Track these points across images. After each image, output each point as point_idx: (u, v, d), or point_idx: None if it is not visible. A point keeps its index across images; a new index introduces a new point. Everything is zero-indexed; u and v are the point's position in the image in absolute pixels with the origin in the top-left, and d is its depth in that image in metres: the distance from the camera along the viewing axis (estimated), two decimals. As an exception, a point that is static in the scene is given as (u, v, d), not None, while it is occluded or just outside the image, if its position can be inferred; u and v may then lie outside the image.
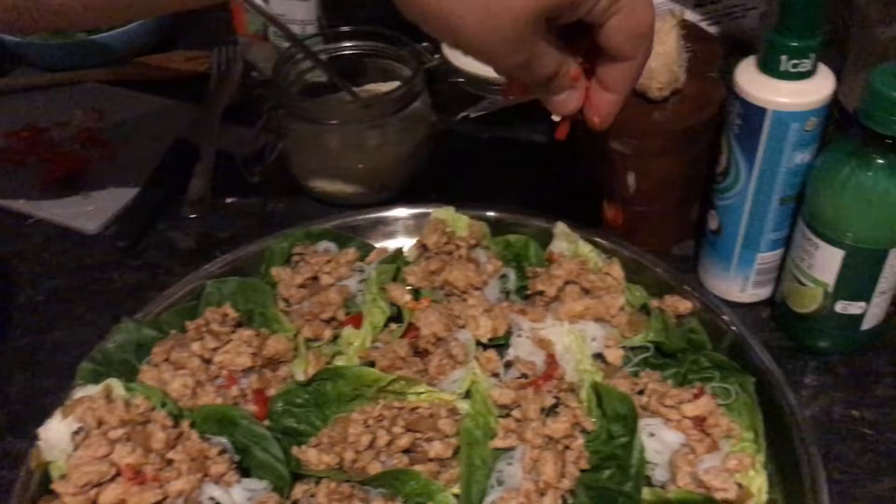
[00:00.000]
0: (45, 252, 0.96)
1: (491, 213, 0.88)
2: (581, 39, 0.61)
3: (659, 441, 0.68)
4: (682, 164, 0.84)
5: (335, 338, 0.80)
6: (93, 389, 0.71)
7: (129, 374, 0.74)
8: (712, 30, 0.94)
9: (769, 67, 0.70)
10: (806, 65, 0.69)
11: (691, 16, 0.95)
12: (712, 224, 0.82)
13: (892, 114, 0.64)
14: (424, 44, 1.00)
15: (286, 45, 1.04)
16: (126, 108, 1.14)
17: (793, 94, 0.70)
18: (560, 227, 0.84)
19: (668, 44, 0.79)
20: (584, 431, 0.68)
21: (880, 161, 0.67)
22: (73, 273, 0.93)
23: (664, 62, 0.79)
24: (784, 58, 0.69)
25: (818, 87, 0.71)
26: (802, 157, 0.73)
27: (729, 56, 0.85)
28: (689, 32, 0.86)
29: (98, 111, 1.13)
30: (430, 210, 0.88)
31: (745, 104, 0.72)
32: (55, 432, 0.69)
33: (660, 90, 0.80)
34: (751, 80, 0.72)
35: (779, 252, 0.81)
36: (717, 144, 0.79)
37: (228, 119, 1.10)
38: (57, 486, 0.66)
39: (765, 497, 0.64)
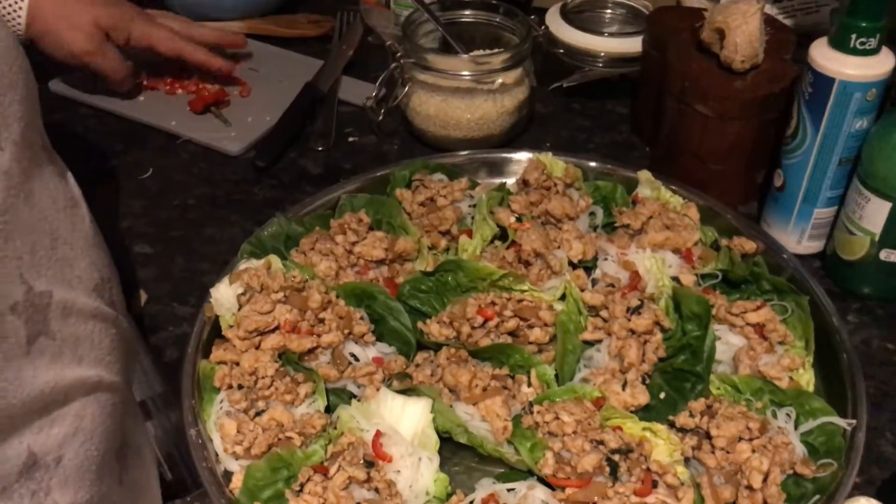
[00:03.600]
0: (194, 167, 1.11)
1: (584, 162, 1.02)
2: None
3: (724, 343, 0.82)
4: (754, 129, 0.97)
5: (447, 249, 0.94)
6: (255, 262, 0.86)
7: (280, 259, 0.89)
8: (788, 22, 1.08)
9: (840, 44, 0.84)
10: (871, 43, 0.83)
11: (770, 9, 1.09)
12: (777, 181, 0.96)
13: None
14: (532, 16, 1.15)
15: (405, 13, 1.20)
16: (259, 57, 1.30)
17: (858, 67, 0.84)
18: (645, 175, 0.98)
19: (751, 24, 0.93)
20: (662, 329, 0.82)
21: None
22: (218, 185, 1.08)
23: (748, 39, 0.93)
24: (853, 36, 0.83)
25: (880, 63, 0.84)
26: (861, 123, 0.87)
27: (801, 45, 0.99)
28: (769, 22, 1.00)
29: (233, 56, 1.29)
30: (530, 155, 1.03)
31: (816, 74, 0.86)
32: (224, 293, 0.84)
33: (742, 63, 0.94)
34: (823, 54, 0.85)
35: (833, 209, 0.94)
36: (788, 111, 0.92)
37: (348, 74, 1.26)
38: (227, 333, 0.81)
39: (811, 389, 0.77)
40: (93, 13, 1.05)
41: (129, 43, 1.11)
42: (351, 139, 1.16)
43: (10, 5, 0.98)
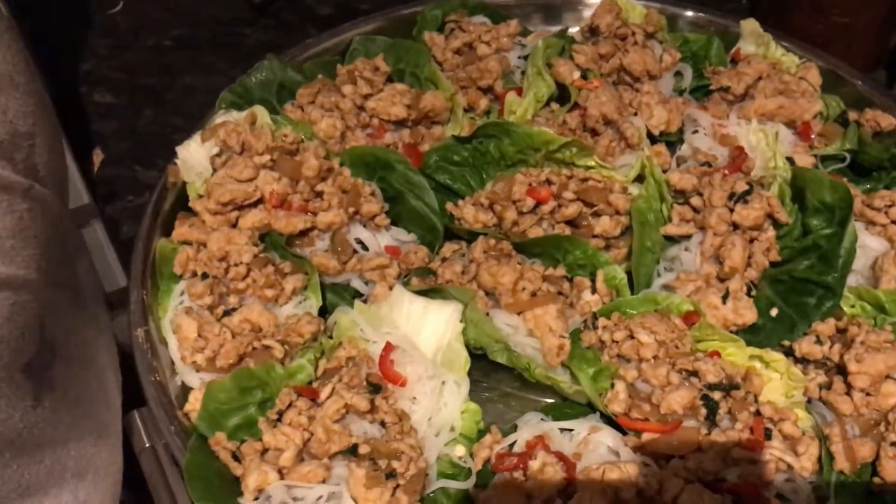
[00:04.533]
0: (174, 1, 0.89)
1: (669, 7, 0.79)
2: None
3: (859, 247, 0.60)
4: (901, -32, 0.73)
5: (488, 112, 0.73)
6: (236, 115, 0.65)
7: (269, 113, 0.68)
8: None
9: None
10: None
11: None
12: (928, 39, 0.72)
13: None
14: None
15: None
16: None
17: None
18: (750, 25, 0.75)
19: None
20: (776, 224, 0.61)
21: None
22: (203, 25, 0.88)
23: None
24: None
25: None
26: None
27: None
28: None
29: None
30: (599, -4, 0.80)
31: None
32: (194, 154, 0.64)
33: None
34: None
35: None
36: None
37: None
38: (195, 204, 0.61)
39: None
40: None
41: None
42: (372, -26, 0.93)
43: None
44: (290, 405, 0.51)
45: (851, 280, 0.60)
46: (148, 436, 0.55)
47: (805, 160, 0.67)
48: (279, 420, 0.50)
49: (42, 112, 0.52)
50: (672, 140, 0.71)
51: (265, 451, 0.49)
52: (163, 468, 0.54)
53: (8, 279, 0.46)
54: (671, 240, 0.63)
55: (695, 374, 0.52)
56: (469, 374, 0.55)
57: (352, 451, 0.49)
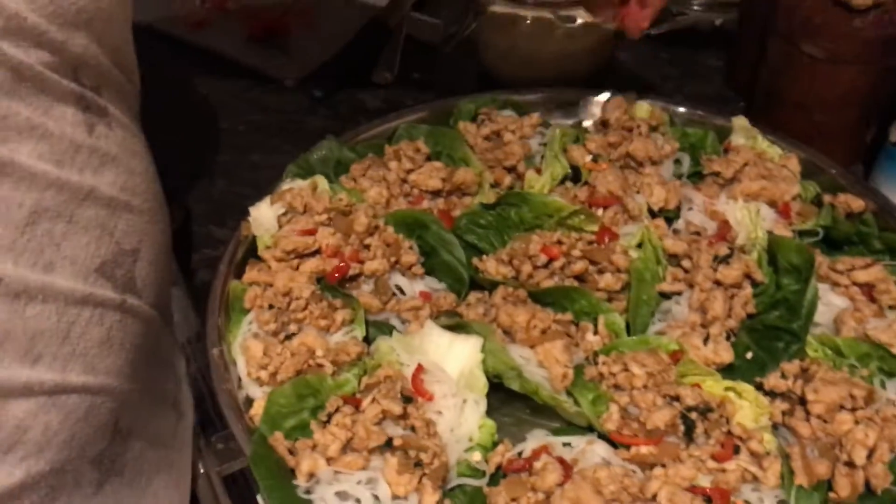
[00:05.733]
0: (247, 93, 1.05)
1: (671, 106, 0.91)
2: None
3: (825, 304, 0.70)
4: (871, 76, 0.86)
5: (512, 187, 0.85)
6: (300, 183, 0.78)
7: (329, 184, 0.81)
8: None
9: None
10: None
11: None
12: (893, 136, 0.84)
13: None
14: (622, -48, 1.05)
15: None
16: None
17: None
18: (740, 121, 0.87)
19: (878, -47, 0.82)
20: (753, 283, 0.71)
21: None
22: (271, 113, 1.02)
23: (872, -30, 0.82)
24: None
25: None
26: None
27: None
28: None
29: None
30: (610, 94, 0.92)
31: (954, 6, 0.74)
32: (264, 213, 0.76)
33: (863, -3, 0.82)
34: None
35: (957, 171, 0.82)
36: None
37: (417, 11, 1.17)
38: (263, 253, 0.73)
39: (930, 360, 0.66)
40: None
41: None
42: (415, 75, 1.08)
43: None
44: (337, 409, 0.61)
45: (818, 331, 0.70)
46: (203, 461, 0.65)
47: (784, 234, 0.78)
48: (328, 422, 0.61)
49: (152, 227, 0.56)
50: (671, 216, 0.82)
51: (315, 446, 0.60)
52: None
53: (86, 385, 0.48)
54: (665, 296, 0.73)
55: (676, 398, 0.62)
56: (489, 401, 0.65)
57: (387, 446, 0.59)
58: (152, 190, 0.57)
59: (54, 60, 0.47)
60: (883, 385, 0.64)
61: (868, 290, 0.70)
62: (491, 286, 0.74)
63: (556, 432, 0.64)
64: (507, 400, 0.67)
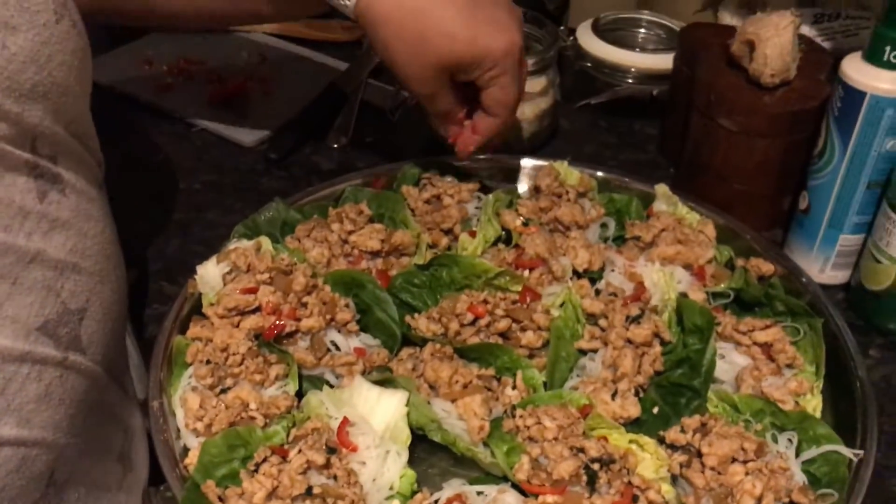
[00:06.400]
0: (206, 154, 1.10)
1: (600, 173, 0.98)
2: (470, 94, 0.87)
3: (728, 362, 0.76)
4: (781, 148, 0.92)
5: (448, 249, 0.90)
6: (245, 243, 0.83)
7: (273, 244, 0.86)
8: (827, 45, 1.03)
9: (873, 57, 0.79)
10: (907, 57, 0.78)
11: (808, 31, 1.04)
12: (802, 204, 0.90)
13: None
14: (561, 28, 1.12)
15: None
16: (287, 57, 1.29)
17: (891, 82, 0.79)
18: (662, 189, 0.94)
19: (784, 36, 0.89)
20: (662, 342, 0.77)
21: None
22: (227, 173, 1.07)
23: (779, 52, 0.89)
24: (887, 48, 0.78)
25: (916, 79, 0.79)
26: (893, 143, 0.82)
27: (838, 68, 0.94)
28: (805, 42, 0.96)
29: (262, 55, 1.29)
30: (545, 162, 0.99)
31: (846, 87, 0.81)
32: (210, 272, 0.81)
33: (772, 77, 0.90)
34: (855, 67, 0.81)
35: (860, 237, 0.88)
36: (817, 130, 0.87)
37: (373, 78, 1.24)
38: (207, 310, 0.78)
39: (818, 416, 0.71)
40: (445, 49, 0.80)
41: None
42: (369, 139, 1.14)
43: None
44: (264, 459, 0.65)
45: (721, 387, 0.75)
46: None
47: (698, 296, 0.83)
48: (256, 471, 0.65)
49: (102, 287, 0.58)
50: (594, 277, 0.87)
51: (243, 494, 0.64)
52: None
53: (19, 438, 0.49)
54: (583, 352, 0.79)
55: (582, 450, 0.67)
56: (415, 452, 0.70)
57: (308, 493, 0.63)
58: (106, 252, 0.60)
59: (10, 132, 0.51)
60: (774, 439, 0.69)
61: (767, 349, 0.76)
62: (422, 342, 0.78)
63: (473, 481, 0.69)
64: (433, 451, 0.72)
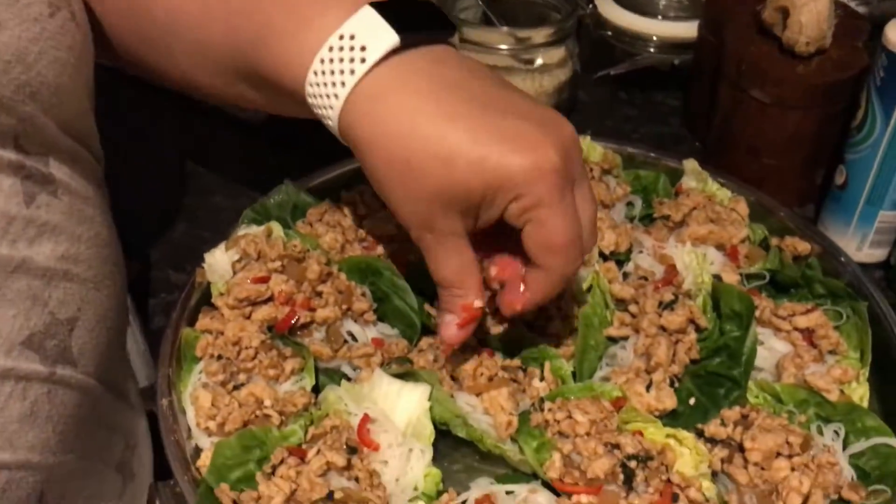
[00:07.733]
0: (214, 135, 1.06)
1: (625, 148, 0.93)
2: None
3: (767, 349, 0.72)
4: (815, 121, 0.88)
5: (468, 231, 0.86)
6: (255, 229, 0.79)
7: (284, 228, 0.82)
8: (862, 10, 0.98)
9: (920, 22, 0.75)
10: (957, 22, 0.73)
11: (843, -4, 0.99)
12: (839, 179, 0.86)
13: None
14: (581, -3, 1.07)
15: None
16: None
17: (940, 48, 0.74)
18: (691, 164, 0.89)
19: (820, 2, 0.84)
20: (697, 329, 0.73)
21: None
22: (234, 153, 1.03)
23: (815, 19, 0.84)
24: (937, 13, 0.73)
25: (966, 45, 0.74)
26: (940, 114, 0.77)
27: (875, 36, 0.89)
28: (840, 6, 0.91)
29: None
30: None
31: (890, 56, 0.76)
32: (219, 259, 0.77)
33: (807, 45, 0.85)
34: (900, 33, 0.76)
35: (901, 213, 0.84)
36: (856, 101, 0.83)
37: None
38: (217, 300, 0.74)
39: (865, 405, 0.67)
40: (440, 177, 0.57)
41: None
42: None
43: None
44: (282, 461, 0.61)
45: (759, 376, 0.71)
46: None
47: (732, 277, 0.79)
48: (273, 473, 0.61)
49: (95, 294, 0.54)
50: (621, 259, 0.83)
51: (259, 498, 0.60)
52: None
53: (2, 462, 0.46)
54: (613, 340, 0.75)
55: (618, 446, 0.63)
56: (438, 448, 0.66)
57: (329, 498, 0.60)
58: (102, 255, 0.56)
59: None
60: (820, 431, 0.65)
61: (809, 335, 0.72)
62: (442, 332, 0.74)
63: (501, 479, 0.65)
64: (457, 446, 0.68)
